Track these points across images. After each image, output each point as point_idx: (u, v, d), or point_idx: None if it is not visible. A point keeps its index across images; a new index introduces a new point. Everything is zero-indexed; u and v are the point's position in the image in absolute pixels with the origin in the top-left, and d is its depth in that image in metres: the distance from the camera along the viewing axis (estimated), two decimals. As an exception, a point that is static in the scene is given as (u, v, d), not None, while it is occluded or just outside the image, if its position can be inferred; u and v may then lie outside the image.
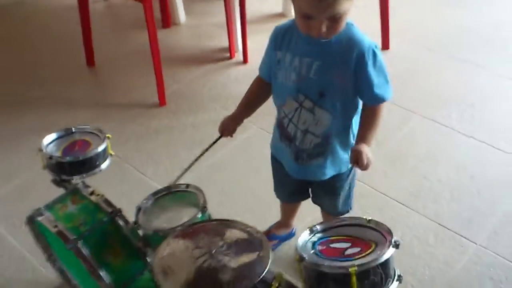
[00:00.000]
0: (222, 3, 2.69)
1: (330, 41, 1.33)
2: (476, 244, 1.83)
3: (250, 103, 1.57)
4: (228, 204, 1.94)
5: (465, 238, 1.85)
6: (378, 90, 1.36)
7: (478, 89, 2.52)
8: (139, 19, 2.46)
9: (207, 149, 1.63)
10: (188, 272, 1.18)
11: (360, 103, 1.42)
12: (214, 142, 1.62)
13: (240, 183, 2.10)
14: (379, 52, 1.35)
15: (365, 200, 1.97)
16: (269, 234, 1.85)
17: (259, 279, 1.15)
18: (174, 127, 2.41)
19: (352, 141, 1.46)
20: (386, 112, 2.32)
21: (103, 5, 3.31)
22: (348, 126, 1.45)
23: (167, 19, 3.07)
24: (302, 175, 1.55)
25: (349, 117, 1.44)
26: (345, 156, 1.49)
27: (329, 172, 1.51)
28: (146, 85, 2.59)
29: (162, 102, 2.52)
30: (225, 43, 2.83)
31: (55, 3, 3.40)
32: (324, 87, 1.36)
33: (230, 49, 2.79)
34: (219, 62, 2.80)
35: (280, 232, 1.86)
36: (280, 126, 1.51)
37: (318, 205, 1.69)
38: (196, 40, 3.00)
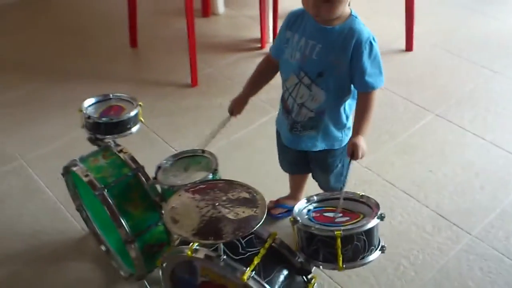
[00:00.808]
0: (259, -3, 2.86)
1: (334, 28, 1.49)
2: (471, 235, 1.93)
3: (256, 81, 1.72)
4: (241, 178, 2.11)
5: (461, 229, 1.96)
6: (369, 78, 1.49)
7: (493, 93, 2.61)
8: (180, 7, 2.63)
9: (219, 129, 1.76)
10: (193, 220, 1.34)
11: (354, 90, 1.56)
12: (226, 122, 1.76)
13: (255, 161, 2.25)
14: (375, 44, 1.49)
15: (369, 186, 2.11)
16: (278, 202, 2.00)
17: (252, 230, 1.32)
18: (202, 106, 2.58)
19: (345, 121, 1.61)
20: (401, 108, 2.49)
21: (150, -8, 3.53)
22: (340, 106, 1.59)
23: (207, 9, 3.24)
24: (294, 145, 1.70)
25: (342, 98, 1.58)
26: (337, 134, 1.63)
27: (320, 145, 1.65)
28: (181, 67, 2.77)
29: (194, 83, 2.70)
30: (257, 34, 2.99)
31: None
32: (323, 68, 1.51)
33: (262, 40, 2.95)
34: (250, 51, 2.96)
35: (289, 202, 1.99)
36: (282, 100, 1.66)
37: (316, 181, 1.84)
38: (231, 30, 3.17)
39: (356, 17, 1.51)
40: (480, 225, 1.97)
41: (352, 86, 1.55)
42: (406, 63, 2.83)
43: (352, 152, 1.49)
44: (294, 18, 1.58)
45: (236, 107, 1.74)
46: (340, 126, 1.62)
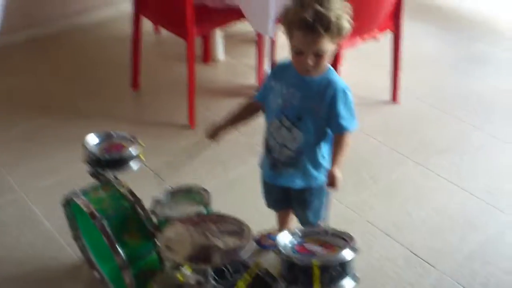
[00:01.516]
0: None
1: (313, 79, 1.68)
2: (439, 271, 2.08)
3: (237, 118, 1.88)
4: (232, 213, 2.25)
5: (430, 265, 2.10)
6: (343, 121, 1.68)
7: (470, 147, 2.78)
8: (183, 53, 2.80)
9: (197, 151, 1.94)
10: (186, 248, 1.49)
11: (329, 132, 1.73)
12: (201, 144, 1.91)
13: (247, 199, 2.37)
14: (350, 93, 1.70)
15: (352, 225, 2.24)
16: (268, 234, 2.13)
17: (239, 258, 1.46)
18: (199, 147, 2.70)
19: (321, 161, 1.78)
20: (385, 155, 2.64)
21: (154, 38, 3.70)
22: (316, 147, 1.76)
23: (207, 56, 3.42)
24: (275, 181, 1.86)
25: (319, 140, 1.75)
26: (314, 173, 1.79)
27: (299, 182, 1.81)
28: (180, 110, 2.91)
29: (192, 125, 2.86)
30: (254, 81, 3.18)
31: (105, 34, 3.82)
32: (302, 113, 1.70)
33: (258, 87, 3.12)
34: (245, 96, 3.09)
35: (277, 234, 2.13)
36: (264, 141, 1.83)
37: (296, 216, 1.98)
38: (230, 76, 3.34)
39: (332, 70, 1.72)
40: (449, 264, 2.12)
41: (328, 129, 1.73)
42: (391, 114, 3.01)
43: (331, 181, 1.64)
44: (280, 69, 1.78)
45: (215, 133, 1.89)
46: (317, 165, 1.78)
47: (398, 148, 2.73)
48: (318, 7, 1.58)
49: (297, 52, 1.64)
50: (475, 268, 2.11)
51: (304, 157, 1.76)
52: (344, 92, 1.68)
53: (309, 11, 1.58)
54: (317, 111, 1.70)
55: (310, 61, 1.62)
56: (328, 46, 1.61)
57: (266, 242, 2.12)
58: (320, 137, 1.75)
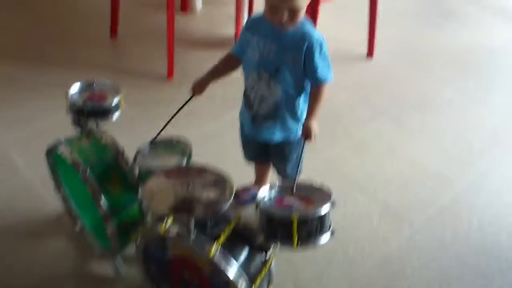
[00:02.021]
0: (235, -4, 3.01)
1: (288, 31, 1.69)
2: (412, 225, 2.15)
3: (218, 71, 1.90)
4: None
5: (403, 219, 2.18)
6: (320, 74, 1.71)
7: (442, 100, 2.86)
8: (162, 1, 2.77)
9: (181, 107, 1.90)
10: (169, 198, 1.52)
11: (308, 84, 1.76)
12: (187, 101, 1.90)
13: (225, 151, 2.42)
14: (325, 45, 1.71)
15: (326, 179, 2.26)
16: (247, 188, 2.17)
17: (221, 209, 1.51)
18: (176, 98, 2.71)
19: (299, 114, 1.80)
20: (358, 109, 2.70)
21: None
22: (295, 99, 1.79)
23: (186, 5, 3.39)
24: (255, 136, 1.90)
25: (297, 92, 1.78)
26: (293, 124, 1.82)
27: (278, 135, 1.85)
28: (158, 59, 2.91)
29: (169, 75, 2.86)
30: (232, 32, 3.16)
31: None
32: (279, 65, 1.72)
33: (236, 37, 3.10)
34: (225, 48, 3.05)
35: (256, 189, 2.12)
36: (244, 94, 1.86)
37: (275, 169, 2.03)
38: (208, 26, 3.33)
39: (307, 20, 1.72)
40: (421, 218, 2.20)
41: (305, 81, 1.76)
42: (365, 69, 3.06)
43: (306, 133, 1.69)
44: (255, 22, 1.78)
45: (198, 87, 1.90)
46: (296, 117, 1.81)
47: (372, 102, 2.80)
48: None
49: (271, 7, 1.64)
50: (446, 222, 2.20)
51: (283, 109, 1.79)
52: (320, 44, 1.69)
53: None
54: (294, 63, 1.71)
55: (285, 17, 1.62)
56: (303, 2, 1.61)
57: (243, 195, 2.16)
58: (298, 89, 1.78)
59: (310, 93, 1.76)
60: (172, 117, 1.88)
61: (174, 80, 2.87)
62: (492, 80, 3.03)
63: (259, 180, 2.18)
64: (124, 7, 3.14)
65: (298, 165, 1.77)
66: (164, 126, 1.87)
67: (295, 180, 1.59)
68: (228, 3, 3.36)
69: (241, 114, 1.95)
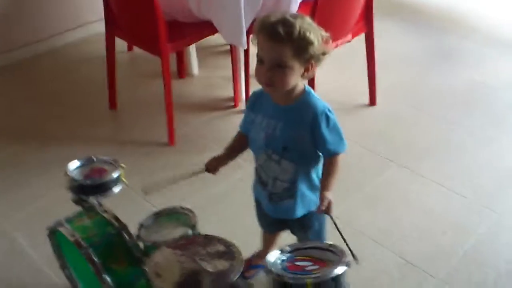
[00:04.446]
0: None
1: (291, 106, 1.63)
2: (436, 278, 2.06)
3: (231, 149, 1.84)
4: (217, 232, 2.23)
5: (427, 273, 2.09)
6: (331, 145, 1.63)
7: (450, 143, 2.80)
8: (158, 69, 2.77)
9: (189, 176, 1.82)
10: (175, 273, 1.47)
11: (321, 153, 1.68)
12: (197, 173, 1.83)
13: (230, 215, 2.37)
14: (331, 114, 1.63)
15: (338, 236, 2.21)
16: (251, 263, 2.06)
17: (230, 281, 1.44)
18: (179, 164, 2.70)
19: (317, 183, 1.71)
20: (367, 159, 2.64)
21: (127, 56, 3.66)
22: (311, 172, 1.71)
23: (182, 71, 3.39)
24: (276, 214, 1.82)
25: (311, 165, 1.70)
26: (313, 196, 1.73)
27: (299, 211, 1.76)
28: (159, 126, 2.89)
29: (171, 142, 2.83)
30: (230, 93, 3.15)
31: (79, 56, 3.77)
32: (286, 143, 1.64)
33: (235, 99, 3.10)
34: (224, 110, 3.11)
35: (259, 261, 2.07)
36: (256, 173, 1.79)
37: (295, 236, 1.93)
38: (206, 90, 3.31)
39: (309, 92, 1.65)
40: (445, 269, 2.11)
41: (317, 152, 1.68)
42: (370, 117, 3.01)
43: (322, 207, 1.60)
44: (254, 99, 1.73)
45: (212, 167, 1.84)
46: (315, 189, 1.72)
47: (380, 151, 2.74)
48: (287, 15, 1.54)
49: (259, 60, 1.57)
50: (471, 270, 2.10)
51: (299, 184, 1.71)
52: (326, 115, 1.61)
53: (276, 16, 1.54)
54: (302, 138, 1.63)
55: (269, 72, 1.53)
56: (290, 59, 1.52)
57: (249, 274, 2.06)
58: (312, 161, 1.71)
59: (324, 165, 1.69)
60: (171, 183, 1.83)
61: (176, 146, 2.84)
62: (499, 118, 2.97)
63: (267, 249, 2.08)
64: (121, 77, 3.14)
65: (322, 233, 1.79)
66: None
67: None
68: (224, 66, 3.37)
69: (255, 189, 1.87)
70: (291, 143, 1.64)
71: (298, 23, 1.51)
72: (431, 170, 2.61)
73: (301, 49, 1.52)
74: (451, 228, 2.30)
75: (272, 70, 1.54)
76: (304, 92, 1.64)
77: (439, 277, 2.07)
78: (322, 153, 1.67)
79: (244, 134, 1.80)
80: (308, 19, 1.56)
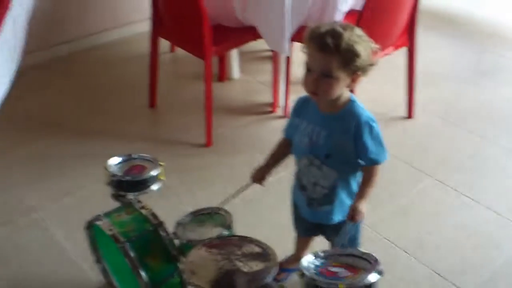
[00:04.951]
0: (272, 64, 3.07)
1: (335, 115, 1.66)
2: (466, 293, 2.07)
3: (275, 156, 1.88)
4: (251, 233, 2.26)
5: (455, 285, 2.09)
6: (372, 155, 1.66)
7: (487, 160, 2.78)
8: (199, 71, 2.83)
9: (238, 192, 1.92)
10: (210, 272, 1.50)
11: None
12: (246, 187, 1.91)
13: (264, 218, 2.40)
14: (375, 124, 1.65)
15: (371, 244, 2.23)
16: (282, 266, 2.06)
17: (264, 283, 1.47)
18: (214, 165, 2.75)
19: (356, 191, 1.74)
20: (403, 172, 2.64)
21: (169, 56, 3.72)
22: (351, 179, 1.74)
23: (223, 74, 3.43)
24: (313, 218, 1.84)
25: (351, 173, 1.73)
26: (351, 203, 1.74)
27: (337, 217, 1.79)
28: (197, 127, 2.93)
29: (208, 143, 2.87)
30: (269, 99, 3.18)
31: (122, 54, 3.85)
32: (329, 151, 1.67)
33: (274, 105, 3.13)
34: (262, 114, 3.13)
35: (290, 265, 2.10)
36: (296, 177, 1.82)
37: (330, 241, 1.95)
38: (245, 94, 3.35)
39: (354, 101, 1.67)
40: (474, 284, 2.10)
41: (358, 160, 1.70)
42: (406, 130, 3.01)
43: (352, 215, 1.65)
44: (300, 105, 1.75)
45: (258, 178, 1.89)
46: (353, 195, 1.75)
47: (415, 164, 2.73)
48: (337, 26, 1.56)
49: (307, 68, 1.60)
50: (500, 286, 2.10)
51: (339, 191, 1.74)
52: (369, 125, 1.64)
53: (325, 27, 1.57)
54: (345, 147, 1.66)
55: (316, 81, 1.57)
56: (336, 69, 1.55)
57: (280, 277, 2.07)
58: (352, 170, 1.73)
59: (363, 172, 1.72)
60: (228, 201, 1.90)
61: (213, 147, 2.87)
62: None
63: (299, 253, 2.11)
64: (162, 77, 3.20)
65: (358, 239, 1.83)
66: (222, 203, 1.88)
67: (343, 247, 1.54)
68: (264, 71, 3.41)
69: (294, 193, 1.90)
70: (334, 151, 1.67)
71: (347, 35, 1.54)
72: (465, 185, 2.59)
73: (348, 60, 1.55)
74: (482, 243, 2.29)
75: (319, 79, 1.57)
76: (350, 101, 1.67)
77: (470, 292, 2.07)
78: (364, 162, 1.69)
79: (288, 139, 1.83)
80: (357, 30, 1.58)
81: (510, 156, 2.80)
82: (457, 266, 2.19)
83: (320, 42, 1.54)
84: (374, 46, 1.60)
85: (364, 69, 1.59)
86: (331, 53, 1.54)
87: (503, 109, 3.17)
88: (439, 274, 2.14)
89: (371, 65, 1.60)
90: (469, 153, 2.83)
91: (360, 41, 1.56)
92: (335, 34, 1.54)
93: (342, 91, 1.63)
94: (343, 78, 1.58)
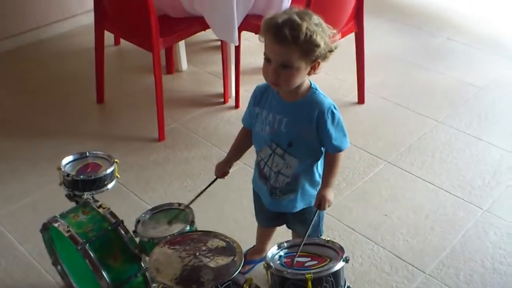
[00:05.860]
0: (220, 54, 3.03)
1: (297, 103, 1.64)
2: (425, 273, 2.10)
3: (238, 148, 1.86)
4: (213, 227, 2.23)
5: (416, 268, 2.13)
6: (335, 142, 1.65)
7: (438, 142, 2.84)
8: (146, 64, 2.77)
9: (205, 189, 1.89)
10: (176, 269, 1.46)
11: (323, 149, 1.71)
12: (211, 183, 1.89)
13: (225, 211, 2.38)
14: (337, 111, 1.65)
15: (331, 232, 2.26)
16: (245, 259, 2.05)
17: (232, 277, 1.45)
18: (169, 160, 2.70)
19: (318, 179, 1.75)
20: (357, 157, 2.67)
21: (114, 49, 3.64)
22: (313, 168, 1.74)
23: (171, 66, 3.37)
24: (276, 208, 1.83)
25: (314, 161, 1.73)
26: (313, 191, 1.76)
27: (299, 205, 1.79)
28: (148, 122, 2.88)
29: (161, 137, 2.82)
30: (220, 89, 3.15)
31: (66, 48, 3.73)
32: (292, 139, 1.66)
33: (224, 95, 3.10)
34: (214, 106, 3.10)
35: (254, 257, 2.11)
36: (258, 167, 1.80)
37: (292, 230, 1.96)
38: (195, 86, 3.30)
39: (316, 89, 1.66)
40: (433, 264, 2.15)
41: (321, 148, 1.70)
42: (358, 115, 3.04)
43: (320, 203, 1.66)
44: (260, 94, 1.72)
45: (222, 169, 1.88)
46: (315, 184, 1.76)
47: (369, 149, 2.77)
48: (294, 16, 1.52)
49: (266, 59, 1.57)
50: (458, 265, 2.15)
51: (301, 179, 1.74)
52: (332, 112, 1.63)
53: (283, 17, 1.53)
54: (307, 134, 1.65)
55: (276, 71, 1.54)
56: (296, 60, 1.53)
57: (244, 269, 2.06)
58: (314, 158, 1.73)
59: (325, 161, 1.72)
60: (194, 199, 1.86)
61: (167, 142, 2.83)
62: (485, 116, 3.02)
63: (261, 245, 2.12)
64: (108, 71, 3.11)
65: (320, 227, 1.84)
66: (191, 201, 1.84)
67: (303, 238, 1.54)
68: (212, 62, 3.38)
69: (255, 183, 1.88)
70: (297, 138, 1.66)
71: (304, 25, 1.50)
72: (418, 168, 2.65)
73: (308, 51, 1.53)
74: (439, 224, 2.34)
75: (279, 70, 1.55)
76: (310, 88, 1.65)
77: (427, 272, 2.11)
78: (327, 150, 1.69)
79: (248, 129, 1.81)
80: (315, 18, 1.55)
81: (461, 137, 2.87)
82: (416, 247, 2.23)
83: (278, 34, 1.51)
84: (332, 31, 1.59)
85: (324, 56, 1.58)
86: (290, 45, 1.50)
87: (452, 92, 3.25)
88: (399, 257, 2.18)
89: (331, 51, 1.58)
90: (422, 135, 2.89)
91: (319, 29, 1.53)
92: (293, 25, 1.50)
93: (303, 80, 1.62)
94: (304, 68, 1.56)
